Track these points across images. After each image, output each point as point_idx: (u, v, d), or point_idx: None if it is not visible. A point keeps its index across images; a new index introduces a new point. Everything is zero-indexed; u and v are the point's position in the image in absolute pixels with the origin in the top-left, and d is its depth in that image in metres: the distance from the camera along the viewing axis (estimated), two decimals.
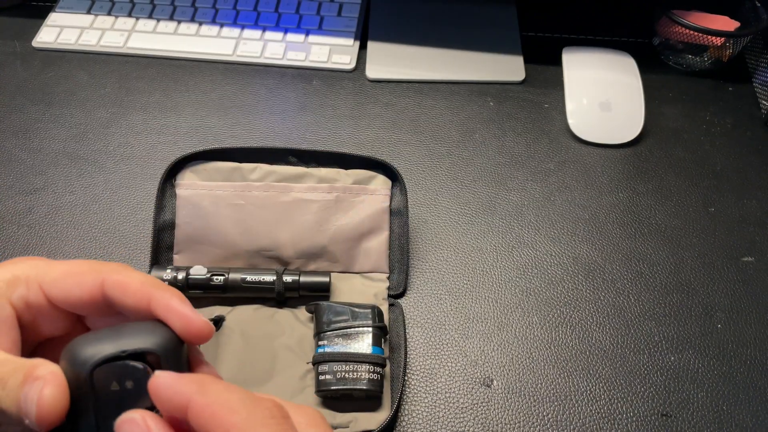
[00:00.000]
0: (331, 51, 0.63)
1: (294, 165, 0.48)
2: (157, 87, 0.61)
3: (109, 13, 0.66)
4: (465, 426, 0.41)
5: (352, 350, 0.40)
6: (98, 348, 0.25)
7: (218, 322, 0.43)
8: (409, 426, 0.41)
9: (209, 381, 0.25)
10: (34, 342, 0.30)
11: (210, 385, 0.24)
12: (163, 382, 0.24)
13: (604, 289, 0.47)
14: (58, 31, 0.65)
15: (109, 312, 0.29)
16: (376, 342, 0.40)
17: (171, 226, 0.46)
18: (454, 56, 0.63)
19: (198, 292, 0.44)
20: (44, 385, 0.25)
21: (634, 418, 0.41)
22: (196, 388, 0.24)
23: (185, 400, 0.24)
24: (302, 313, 0.44)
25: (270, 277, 0.44)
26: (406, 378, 0.43)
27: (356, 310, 0.41)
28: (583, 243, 0.50)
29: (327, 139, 0.57)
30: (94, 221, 0.51)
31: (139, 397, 0.26)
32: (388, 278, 0.46)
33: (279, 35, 0.65)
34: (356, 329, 0.41)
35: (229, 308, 0.44)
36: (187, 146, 0.56)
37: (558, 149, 0.57)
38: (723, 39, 0.59)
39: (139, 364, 0.26)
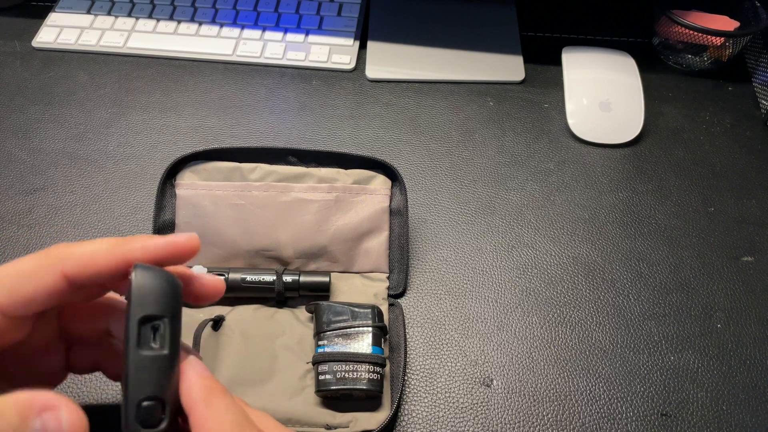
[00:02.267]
0: (331, 51, 0.63)
1: (294, 165, 0.48)
2: (157, 87, 0.61)
3: (108, 13, 0.66)
4: (465, 426, 0.41)
5: (352, 350, 0.40)
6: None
7: (218, 322, 0.43)
8: (409, 426, 0.41)
9: (217, 394, 0.27)
10: None
11: (215, 399, 0.27)
12: (189, 379, 0.27)
13: (604, 289, 0.48)
14: (58, 31, 0.65)
15: (81, 293, 0.29)
16: (376, 342, 0.40)
17: (171, 226, 0.46)
18: (454, 56, 0.63)
19: None
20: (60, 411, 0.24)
21: (634, 418, 0.41)
22: (203, 397, 0.26)
23: (191, 402, 0.26)
24: (302, 313, 0.44)
25: (270, 277, 0.44)
26: (406, 378, 0.43)
27: (356, 309, 0.41)
28: (583, 243, 0.50)
29: (327, 139, 0.57)
30: (94, 221, 0.51)
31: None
32: (388, 278, 0.46)
33: (279, 35, 0.65)
34: (356, 329, 0.41)
35: (229, 308, 0.44)
36: (187, 146, 0.56)
37: (558, 149, 0.57)
38: (722, 39, 0.59)
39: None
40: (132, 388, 0.26)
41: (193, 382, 0.27)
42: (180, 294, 0.27)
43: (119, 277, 0.29)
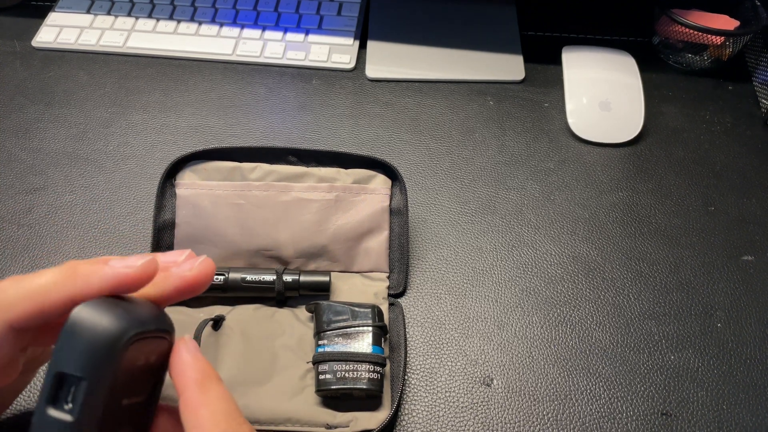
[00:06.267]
0: (331, 50, 0.63)
1: (294, 164, 0.48)
2: (156, 87, 0.61)
3: (108, 13, 0.66)
4: (465, 425, 0.41)
5: (352, 350, 0.40)
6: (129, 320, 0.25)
7: (218, 322, 0.43)
8: (409, 425, 0.41)
9: (212, 381, 0.26)
10: None
11: (210, 385, 0.26)
12: (183, 359, 0.26)
13: (604, 289, 0.47)
14: (58, 30, 0.65)
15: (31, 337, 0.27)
16: (376, 341, 0.40)
17: (171, 225, 0.46)
18: (454, 56, 0.63)
19: None
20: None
21: (634, 417, 0.41)
22: (197, 381, 0.26)
23: (184, 384, 0.26)
24: (302, 312, 0.44)
25: (270, 277, 0.44)
26: (406, 377, 0.43)
27: (356, 309, 0.41)
28: (583, 242, 0.50)
29: (327, 138, 0.57)
30: (94, 221, 0.51)
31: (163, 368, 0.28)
32: (388, 278, 0.46)
33: (279, 35, 0.65)
34: (356, 328, 0.41)
35: (229, 308, 0.44)
36: (187, 146, 0.56)
37: (558, 148, 0.57)
38: (723, 38, 0.59)
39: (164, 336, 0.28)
40: None
41: (188, 363, 0.26)
42: (117, 351, 0.24)
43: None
